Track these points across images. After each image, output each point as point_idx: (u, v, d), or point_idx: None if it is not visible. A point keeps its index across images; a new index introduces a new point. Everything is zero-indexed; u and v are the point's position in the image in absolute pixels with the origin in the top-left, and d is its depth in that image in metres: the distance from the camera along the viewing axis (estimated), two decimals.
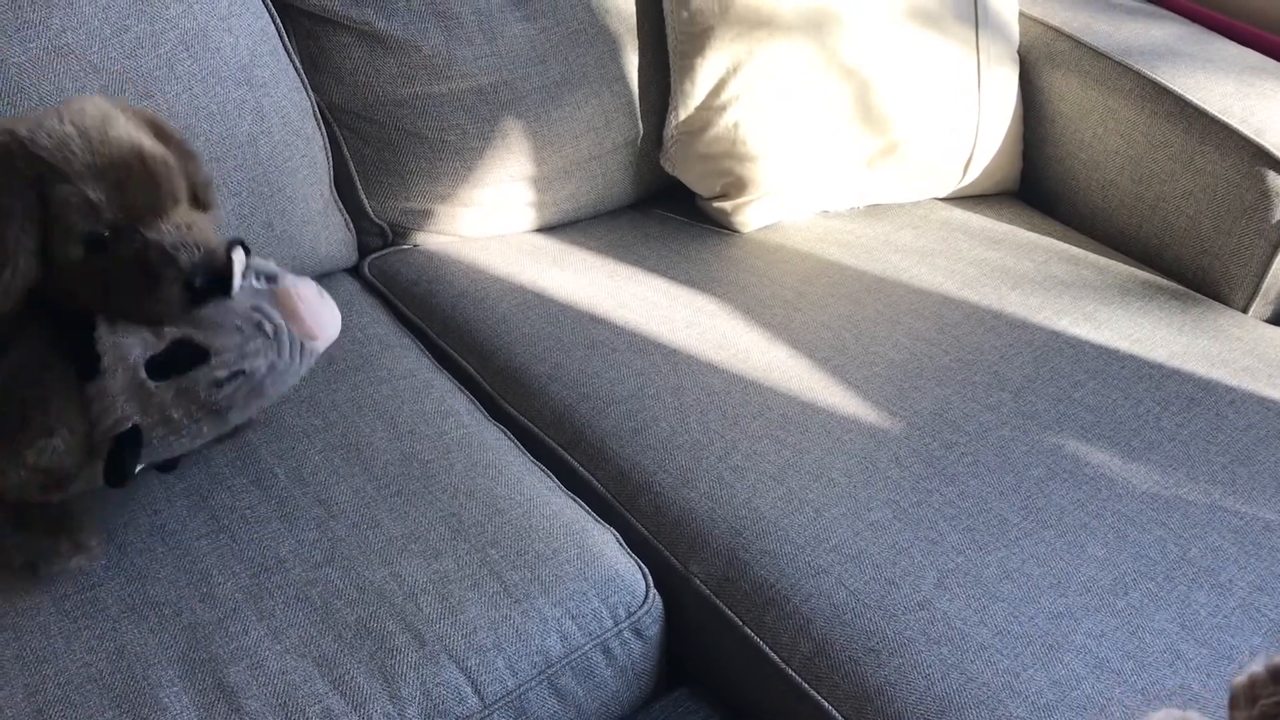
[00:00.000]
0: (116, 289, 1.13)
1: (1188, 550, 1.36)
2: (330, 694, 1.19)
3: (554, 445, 1.53)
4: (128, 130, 1.14)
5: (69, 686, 1.16)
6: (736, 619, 1.33)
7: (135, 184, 1.12)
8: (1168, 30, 2.02)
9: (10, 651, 1.18)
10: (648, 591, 1.35)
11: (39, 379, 1.13)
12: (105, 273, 1.12)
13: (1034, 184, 2.08)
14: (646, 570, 1.37)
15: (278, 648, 1.21)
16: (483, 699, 1.23)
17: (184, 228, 1.14)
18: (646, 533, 1.42)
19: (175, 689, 1.17)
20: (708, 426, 1.49)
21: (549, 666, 1.27)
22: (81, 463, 1.16)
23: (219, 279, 1.14)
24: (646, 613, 1.34)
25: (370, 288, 1.78)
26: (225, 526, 1.32)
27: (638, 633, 1.33)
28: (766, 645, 1.31)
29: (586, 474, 1.50)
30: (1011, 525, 1.37)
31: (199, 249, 1.13)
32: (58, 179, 1.09)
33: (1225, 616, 1.29)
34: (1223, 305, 1.81)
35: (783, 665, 1.29)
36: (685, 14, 1.80)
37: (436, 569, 1.30)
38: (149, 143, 1.15)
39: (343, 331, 1.61)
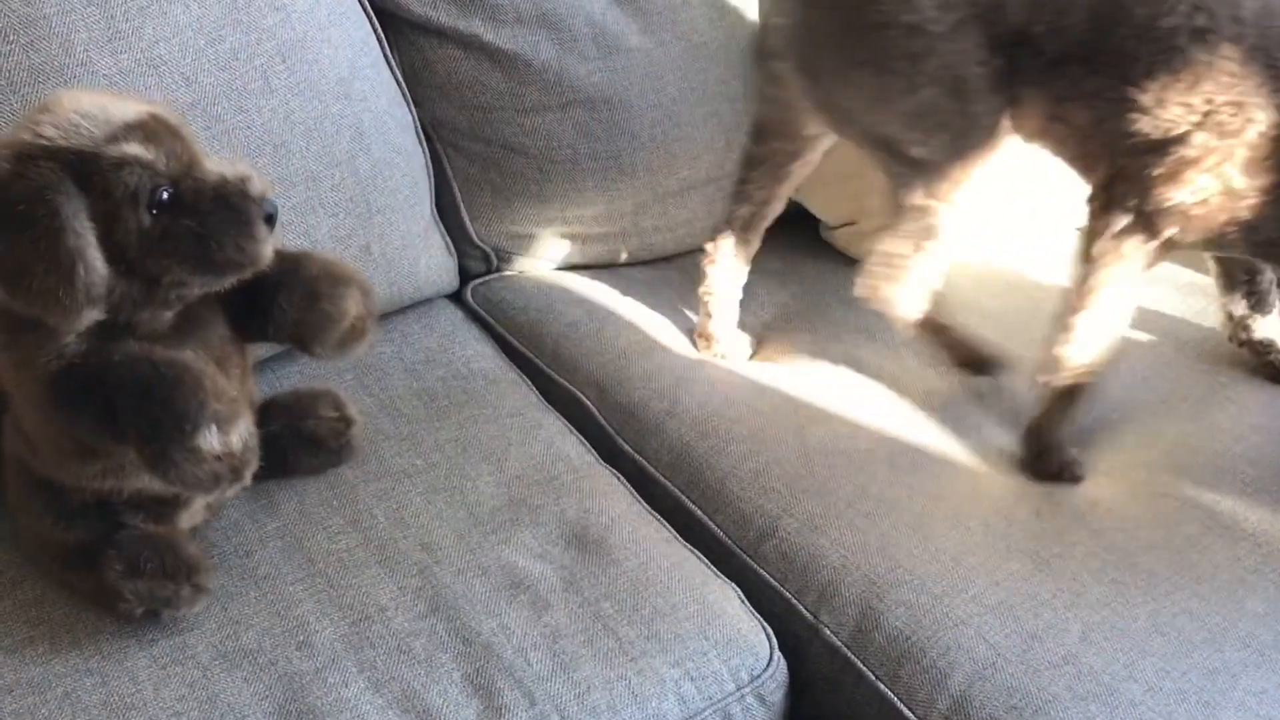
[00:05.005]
0: (210, 240, 1.09)
1: None
2: None
3: (670, 487, 1.52)
4: (122, 100, 1.11)
5: None
6: (869, 673, 1.30)
7: (164, 135, 1.09)
8: None
9: (96, 698, 1.17)
10: (772, 654, 1.32)
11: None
12: (188, 230, 1.08)
13: None
14: (770, 631, 1.34)
15: (379, 701, 1.19)
16: None
17: (224, 163, 1.13)
18: (772, 580, 1.40)
19: None
20: (834, 471, 1.47)
21: None
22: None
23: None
24: (770, 677, 1.31)
25: (474, 316, 1.79)
26: (322, 571, 1.32)
27: (761, 698, 1.30)
28: (901, 701, 1.27)
29: (705, 518, 1.48)
30: (1161, 579, 1.33)
31: (251, 175, 1.12)
32: (90, 158, 1.05)
33: None
34: None
35: None
36: None
37: (547, 622, 1.28)
38: (148, 104, 1.13)
39: (446, 365, 1.63)
